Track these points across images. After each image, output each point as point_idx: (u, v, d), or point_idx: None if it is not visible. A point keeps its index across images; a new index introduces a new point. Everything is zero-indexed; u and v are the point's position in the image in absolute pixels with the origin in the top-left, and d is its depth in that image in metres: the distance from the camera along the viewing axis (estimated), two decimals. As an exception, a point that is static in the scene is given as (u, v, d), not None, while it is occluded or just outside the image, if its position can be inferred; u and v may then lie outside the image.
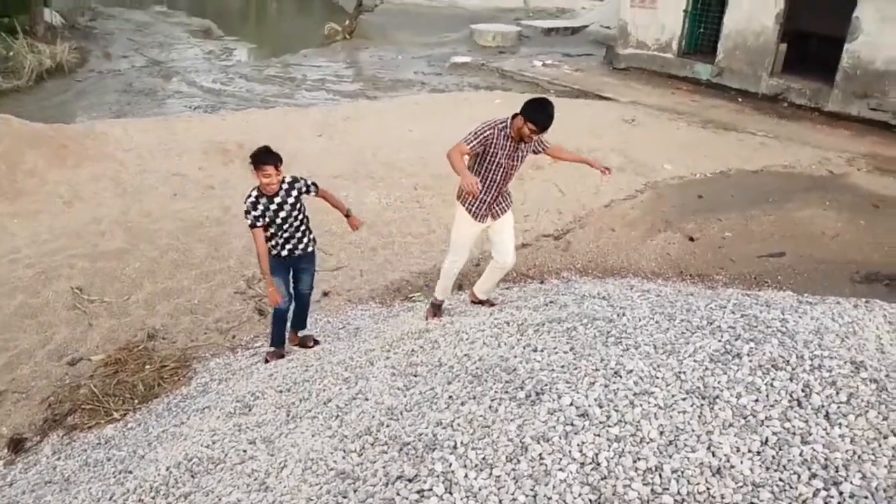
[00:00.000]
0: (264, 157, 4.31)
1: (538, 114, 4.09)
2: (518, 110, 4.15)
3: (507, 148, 4.23)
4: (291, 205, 4.46)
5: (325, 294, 5.95)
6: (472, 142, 4.16)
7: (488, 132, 4.16)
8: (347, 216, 4.76)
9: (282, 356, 4.76)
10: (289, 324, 4.93)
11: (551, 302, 3.81)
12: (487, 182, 4.31)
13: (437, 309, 4.76)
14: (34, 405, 4.70)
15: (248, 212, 4.38)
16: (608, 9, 20.96)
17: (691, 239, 7.26)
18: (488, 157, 4.24)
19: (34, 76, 14.35)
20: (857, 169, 9.61)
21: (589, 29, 20.73)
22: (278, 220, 4.42)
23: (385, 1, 21.53)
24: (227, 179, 8.50)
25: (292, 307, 4.82)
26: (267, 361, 4.72)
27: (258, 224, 4.37)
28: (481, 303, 4.91)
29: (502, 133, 4.19)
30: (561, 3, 28.76)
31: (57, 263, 6.29)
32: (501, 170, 4.30)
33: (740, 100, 13.30)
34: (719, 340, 2.55)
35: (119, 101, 13.23)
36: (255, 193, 4.39)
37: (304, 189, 4.53)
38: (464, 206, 4.44)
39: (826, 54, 12.57)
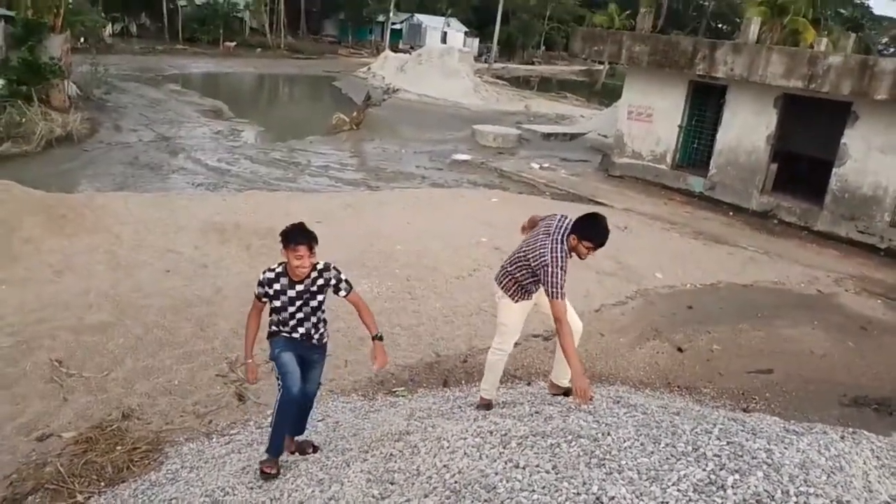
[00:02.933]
0: (296, 236, 3.77)
1: (594, 231, 4.14)
2: (569, 229, 4.22)
3: (567, 262, 4.21)
4: (313, 297, 3.96)
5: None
6: (558, 287, 4.06)
7: (563, 265, 4.11)
8: (375, 339, 4.02)
9: (278, 470, 3.96)
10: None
11: (536, 412, 3.74)
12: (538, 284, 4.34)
13: (486, 409, 4.63)
14: (-6, 482, 4.51)
15: (261, 283, 3.91)
16: (606, 118, 21.76)
17: (680, 350, 7.25)
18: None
19: (43, 143, 14.64)
20: (846, 290, 9.73)
21: (587, 136, 21.45)
22: (290, 310, 3.95)
23: (392, 96, 22.31)
24: (221, 259, 8.52)
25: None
26: (264, 473, 3.90)
27: (263, 300, 3.95)
28: (567, 393, 4.63)
29: (564, 254, 4.17)
30: (561, 110, 29.94)
31: (40, 333, 6.20)
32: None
33: (731, 214, 13.62)
34: (704, 469, 2.49)
35: (124, 173, 13.44)
36: (278, 270, 3.91)
37: (333, 284, 3.96)
38: (514, 299, 4.47)
39: (816, 176, 12.99)
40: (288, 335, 4.04)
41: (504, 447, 3.00)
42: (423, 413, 4.60)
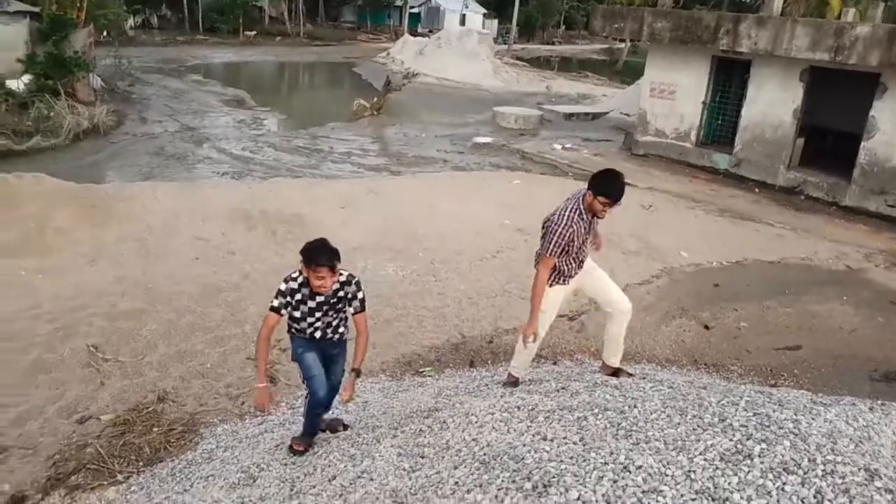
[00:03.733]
0: (318, 257, 3.62)
1: (609, 186, 4.16)
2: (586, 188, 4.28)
3: (582, 227, 4.29)
4: (332, 308, 3.90)
5: (336, 366, 5.95)
6: (552, 249, 4.26)
7: (570, 230, 4.22)
8: (353, 371, 3.98)
9: (311, 446, 4.13)
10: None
11: (563, 388, 3.79)
12: (570, 258, 4.39)
13: (513, 386, 4.69)
14: (39, 462, 4.67)
15: (283, 293, 3.78)
16: (628, 96, 21.53)
17: (706, 327, 7.22)
18: (571, 241, 4.31)
19: (71, 136, 14.89)
20: (875, 265, 9.59)
21: (609, 115, 21.25)
22: (309, 320, 3.89)
23: (413, 81, 22.28)
24: (248, 246, 8.65)
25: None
26: (293, 450, 4.06)
27: (281, 312, 3.81)
28: (616, 373, 4.70)
29: (576, 215, 4.25)
30: (582, 90, 29.64)
31: (76, 320, 6.38)
32: (580, 244, 4.39)
33: (757, 190, 13.44)
34: (731, 439, 2.52)
35: (150, 163, 13.64)
36: (299, 280, 3.79)
37: (349, 298, 3.88)
38: (550, 284, 4.50)
39: (843, 150, 12.76)
40: (307, 339, 4.00)
41: (531, 421, 3.05)
42: (450, 391, 4.67)
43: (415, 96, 23.32)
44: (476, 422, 3.30)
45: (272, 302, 3.82)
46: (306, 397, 4.02)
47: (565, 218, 4.25)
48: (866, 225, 11.69)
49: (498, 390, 4.28)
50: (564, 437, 2.77)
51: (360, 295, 3.90)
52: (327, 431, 4.36)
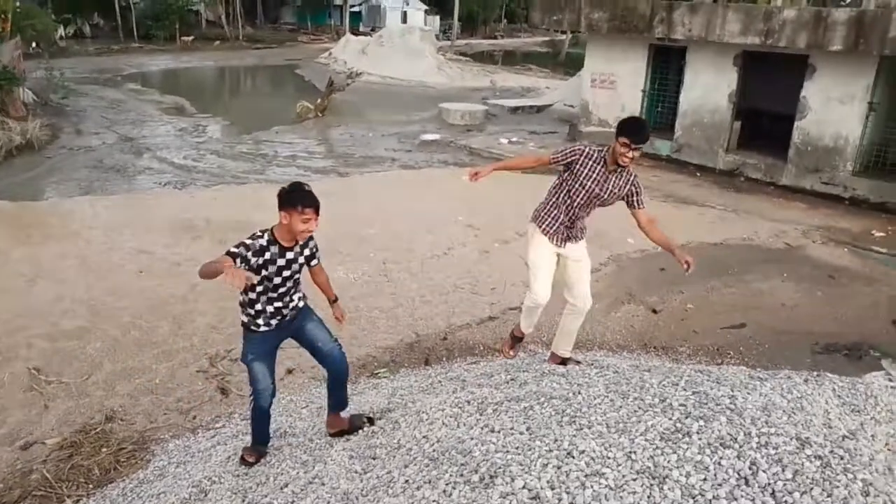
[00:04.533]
0: (304, 198, 3.41)
1: (630, 126, 4.02)
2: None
3: (596, 172, 4.15)
4: (298, 265, 3.65)
5: (289, 371, 5.89)
6: (557, 155, 4.20)
7: (576, 151, 4.17)
8: (334, 302, 4.04)
9: (263, 455, 3.94)
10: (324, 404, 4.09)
11: (512, 379, 3.84)
12: (567, 202, 4.26)
13: (515, 341, 4.74)
14: (-19, 494, 4.51)
15: (247, 247, 3.37)
16: (571, 87, 21.82)
17: (654, 311, 7.39)
18: (573, 177, 4.20)
19: (3, 153, 14.34)
20: (812, 241, 9.96)
21: (553, 107, 21.49)
22: (276, 281, 3.56)
23: (356, 80, 22.14)
24: (194, 256, 8.47)
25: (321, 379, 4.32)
26: (244, 461, 3.88)
27: (239, 265, 3.31)
28: (564, 362, 4.64)
29: (595, 155, 4.14)
30: (526, 83, 29.93)
31: (15, 343, 6.17)
32: (584, 193, 4.20)
33: (699, 175, 13.80)
34: (670, 418, 2.60)
35: (89, 177, 13.24)
36: (266, 237, 3.47)
37: (312, 253, 3.75)
38: (539, 225, 4.40)
39: (779, 131, 13.19)
40: (265, 328, 3.66)
41: (480, 414, 3.09)
42: (404, 391, 4.68)
43: (359, 96, 23.19)
44: (427, 419, 3.32)
45: (230, 249, 3.38)
46: (251, 404, 3.81)
47: (584, 146, 4.19)
48: (803, 203, 12.13)
49: (450, 385, 4.30)
50: (511, 428, 2.81)
51: (316, 248, 3.82)
52: (347, 432, 3.93)
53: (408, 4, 60.25)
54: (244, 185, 12.64)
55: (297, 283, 3.75)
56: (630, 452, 2.38)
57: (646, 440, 2.44)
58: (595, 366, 4.02)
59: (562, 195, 4.29)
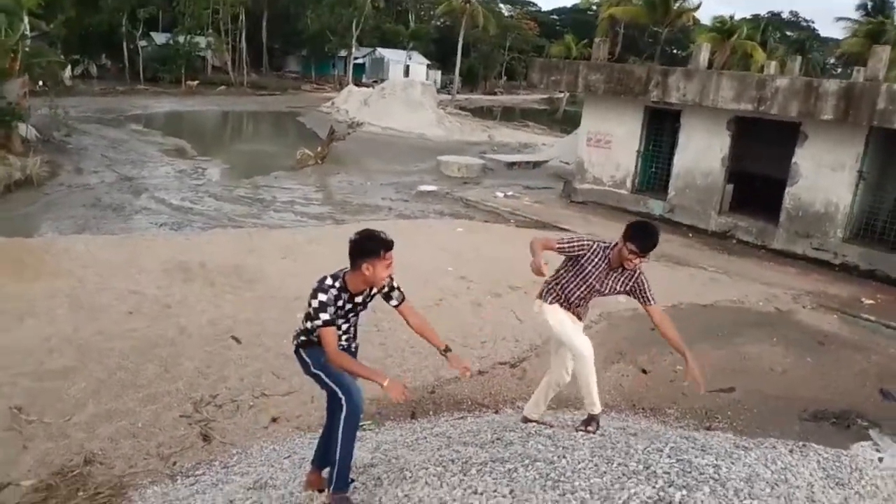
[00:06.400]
0: (386, 242, 3.43)
1: (638, 233, 4.00)
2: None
3: (599, 268, 4.18)
4: (363, 306, 3.64)
5: (274, 420, 5.83)
6: (563, 244, 4.22)
7: (584, 245, 4.20)
8: (446, 352, 3.78)
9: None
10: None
11: (498, 439, 3.81)
12: (567, 290, 4.31)
13: (594, 421, 4.45)
14: (-49, 537, 4.40)
15: (325, 306, 3.40)
16: (567, 145, 22.20)
17: (644, 371, 7.37)
18: (576, 269, 4.26)
19: (1, 187, 14.41)
20: (803, 306, 10.01)
21: (549, 164, 21.83)
22: (344, 326, 3.61)
23: (357, 130, 22.49)
24: (185, 298, 8.47)
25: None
26: None
27: (335, 323, 3.44)
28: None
29: (600, 252, 4.17)
30: (523, 139, 30.45)
31: (-1, 381, 6.09)
32: (585, 286, 4.26)
33: (691, 235, 13.93)
34: (653, 487, 2.58)
35: (85, 215, 13.29)
36: (337, 285, 3.49)
37: (387, 291, 3.66)
38: (545, 299, 4.43)
39: (770, 195, 13.40)
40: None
41: (464, 474, 3.05)
42: (388, 446, 4.62)
43: (359, 145, 23.50)
44: (410, 477, 3.28)
45: (321, 317, 3.41)
46: (340, 409, 3.48)
47: (591, 242, 4.22)
48: (794, 267, 12.22)
49: (436, 442, 4.26)
50: (495, 490, 2.78)
51: (395, 284, 3.70)
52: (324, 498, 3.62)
53: (411, 59, 61.59)
54: (240, 228, 12.70)
55: (356, 325, 3.77)
56: (612, 521, 2.36)
57: (628, 508, 2.42)
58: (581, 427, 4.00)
59: (562, 282, 4.37)
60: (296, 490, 3.84)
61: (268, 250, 10.64)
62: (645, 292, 4.26)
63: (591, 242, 4.25)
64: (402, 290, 3.74)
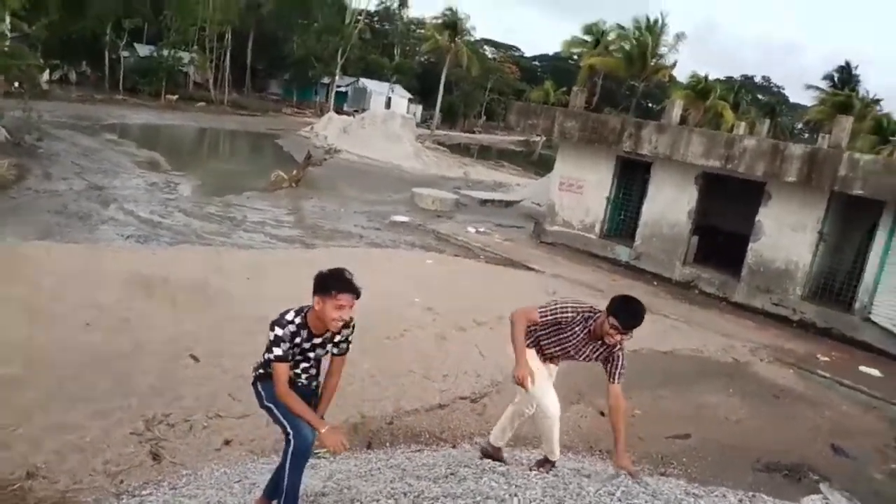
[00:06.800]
0: (345, 283, 3.27)
1: (622, 309, 3.84)
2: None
3: (578, 337, 4.05)
4: (324, 352, 3.57)
5: (227, 443, 5.73)
6: (545, 313, 4.03)
7: (567, 313, 4.03)
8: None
9: None
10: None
11: (452, 474, 3.80)
12: (545, 343, 4.22)
13: (547, 464, 4.52)
14: None
15: (280, 340, 3.32)
16: (540, 187, 22.52)
17: (602, 414, 7.40)
18: (557, 331, 4.11)
19: (-35, 189, 14.12)
20: (760, 359, 10.19)
21: (521, 204, 22.10)
22: (304, 365, 3.55)
23: (334, 157, 22.55)
24: (145, 313, 8.32)
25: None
26: None
27: (288, 359, 3.38)
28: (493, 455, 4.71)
29: (582, 323, 4.00)
30: (498, 178, 30.83)
31: (-58, 387, 5.90)
32: (560, 349, 4.17)
33: (656, 283, 14.16)
34: (601, 529, 2.61)
35: (50, 221, 13.03)
36: (297, 321, 3.38)
37: (340, 341, 3.60)
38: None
39: (734, 249, 13.71)
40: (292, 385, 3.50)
41: (415, 507, 3.05)
42: (342, 475, 4.57)
43: (335, 172, 23.54)
44: (361, 507, 3.25)
45: (274, 351, 3.36)
46: (289, 445, 3.45)
47: (576, 305, 4.07)
48: (753, 321, 12.46)
49: (390, 474, 4.23)
50: (444, 524, 2.77)
51: (350, 338, 3.63)
52: None
53: (393, 91, 62.22)
54: (207, 246, 12.56)
55: (319, 366, 3.68)
56: (558, 560, 2.37)
57: (575, 549, 2.44)
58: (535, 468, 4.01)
59: (538, 336, 4.26)
60: (244, 515, 3.77)
61: (234, 270, 10.54)
62: (618, 369, 4.13)
63: (574, 309, 4.07)
64: (349, 345, 3.66)
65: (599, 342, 4.03)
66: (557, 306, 4.09)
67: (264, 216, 16.35)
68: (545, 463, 4.59)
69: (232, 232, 14.30)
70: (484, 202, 21.91)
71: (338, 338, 3.54)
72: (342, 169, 24.89)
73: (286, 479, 3.45)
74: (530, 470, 4.25)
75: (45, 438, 5.44)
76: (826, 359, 10.74)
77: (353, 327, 3.60)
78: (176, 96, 45.82)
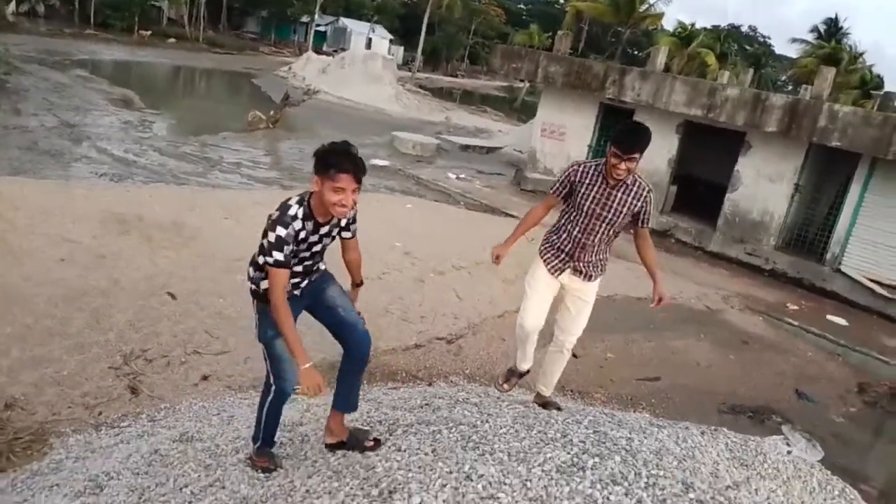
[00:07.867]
0: (343, 160, 2.83)
1: (619, 132, 3.55)
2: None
3: (596, 187, 3.66)
4: (331, 240, 3.18)
5: (205, 378, 5.78)
6: (556, 187, 3.73)
7: (571, 169, 3.73)
8: (357, 285, 3.56)
9: (278, 463, 3.30)
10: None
11: (427, 404, 3.90)
12: (567, 229, 3.83)
13: (510, 374, 4.39)
14: None
15: (283, 243, 2.87)
16: (522, 134, 22.39)
17: (575, 356, 7.55)
18: (574, 200, 3.76)
19: (-72, 123, 13.72)
20: (731, 307, 10.43)
21: (503, 150, 21.98)
22: (303, 255, 3.08)
23: (313, 98, 22.15)
24: (121, 250, 8.25)
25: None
26: (264, 469, 3.25)
27: (289, 265, 2.95)
28: (546, 405, 4.23)
29: (592, 170, 3.67)
30: (480, 124, 30.52)
31: (-86, 321, 5.85)
32: (585, 217, 3.72)
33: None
34: (568, 453, 2.71)
35: (21, 158, 12.75)
36: (300, 214, 2.93)
37: (348, 223, 3.23)
38: (539, 252, 4.03)
39: (711, 199, 13.85)
40: (292, 287, 3.14)
41: (390, 434, 3.13)
42: (319, 408, 4.65)
43: (314, 113, 23.16)
44: (337, 434, 3.33)
45: (274, 256, 2.89)
46: (269, 392, 3.27)
47: (576, 163, 3.76)
48: (727, 270, 12.70)
49: (365, 406, 4.32)
50: (417, 449, 2.87)
51: (355, 216, 3.26)
52: (346, 446, 3.25)
53: (374, 31, 60.82)
54: (183, 185, 12.41)
55: (323, 252, 3.32)
56: (526, 481, 2.48)
57: (542, 471, 2.54)
58: (507, 401, 4.13)
59: (563, 222, 3.91)
60: (222, 443, 3.85)
61: (210, 209, 10.44)
62: (646, 215, 3.88)
63: (577, 164, 3.75)
64: (354, 230, 3.36)
65: (623, 188, 3.70)
66: (562, 174, 3.82)
67: (241, 157, 16.13)
68: (510, 376, 4.47)
69: (208, 172, 14.11)
70: (465, 148, 21.77)
71: (344, 221, 3.18)
72: (321, 110, 24.49)
73: (263, 420, 3.33)
74: (493, 386, 4.28)
75: (22, 371, 5.45)
76: (795, 307, 11.02)
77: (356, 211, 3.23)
78: (149, 32, 44.37)
